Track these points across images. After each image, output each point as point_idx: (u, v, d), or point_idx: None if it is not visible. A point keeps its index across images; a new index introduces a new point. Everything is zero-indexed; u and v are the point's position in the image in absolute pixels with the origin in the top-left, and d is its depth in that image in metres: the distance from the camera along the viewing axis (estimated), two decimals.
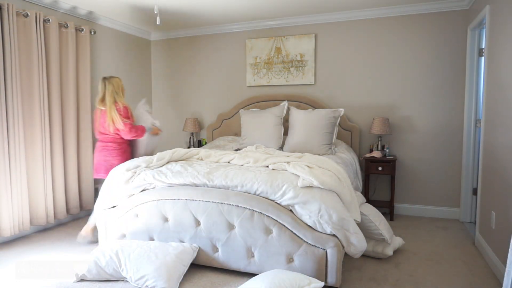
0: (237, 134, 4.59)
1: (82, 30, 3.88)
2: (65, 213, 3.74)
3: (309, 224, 2.36)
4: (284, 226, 2.37)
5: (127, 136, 3.23)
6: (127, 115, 3.21)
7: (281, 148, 3.89)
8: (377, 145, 4.03)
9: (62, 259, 2.90)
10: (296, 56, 4.44)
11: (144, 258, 2.42)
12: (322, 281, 2.29)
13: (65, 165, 3.80)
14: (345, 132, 4.21)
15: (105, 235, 2.95)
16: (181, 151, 3.07)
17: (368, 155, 3.94)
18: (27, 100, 3.37)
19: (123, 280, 2.48)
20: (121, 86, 3.30)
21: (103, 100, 3.23)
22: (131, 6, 3.90)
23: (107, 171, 3.20)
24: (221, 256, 2.55)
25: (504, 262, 2.38)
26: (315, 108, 4.20)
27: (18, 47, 3.24)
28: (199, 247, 2.60)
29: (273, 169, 2.67)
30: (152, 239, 2.76)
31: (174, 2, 3.80)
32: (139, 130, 3.27)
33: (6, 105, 3.17)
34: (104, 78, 3.25)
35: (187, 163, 2.90)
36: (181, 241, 2.67)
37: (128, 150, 3.39)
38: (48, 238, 3.41)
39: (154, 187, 2.78)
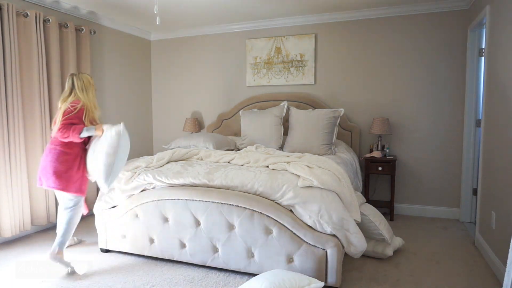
0: (237, 134, 4.59)
1: (82, 30, 3.87)
2: None
3: (309, 224, 2.36)
4: (284, 226, 2.37)
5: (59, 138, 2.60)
6: (77, 115, 2.63)
7: (281, 148, 3.89)
8: (377, 145, 4.03)
9: None
10: (296, 56, 4.44)
11: None
12: (322, 281, 2.29)
13: None
14: (345, 132, 4.21)
15: (105, 235, 2.95)
16: (181, 151, 3.07)
17: (368, 155, 3.94)
18: (27, 100, 3.36)
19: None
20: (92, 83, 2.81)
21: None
22: (131, 6, 3.90)
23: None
24: (221, 256, 2.55)
25: (504, 262, 2.38)
26: (315, 108, 4.20)
27: (18, 47, 3.24)
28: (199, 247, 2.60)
29: (273, 169, 2.67)
30: (152, 239, 2.76)
31: (174, 2, 3.80)
32: (72, 130, 2.55)
33: (6, 105, 3.16)
34: (72, 74, 2.78)
35: (187, 163, 2.90)
36: (181, 241, 2.67)
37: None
38: (49, 238, 3.40)
39: (154, 187, 2.78)
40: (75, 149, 2.67)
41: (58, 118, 2.61)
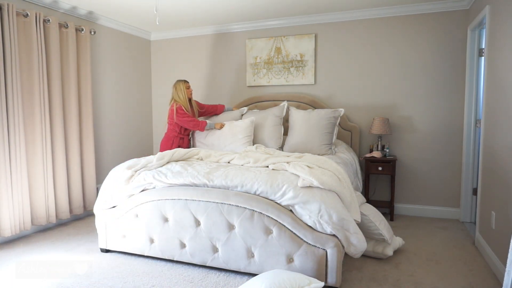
0: None
1: (82, 30, 3.87)
2: (67, 213, 3.74)
3: (309, 224, 2.36)
4: (284, 226, 2.37)
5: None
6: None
7: (281, 148, 3.89)
8: (377, 145, 4.03)
9: (62, 259, 2.90)
10: (296, 56, 4.44)
11: None
12: (322, 281, 2.29)
13: (67, 165, 3.80)
14: (345, 132, 4.21)
15: (105, 235, 2.95)
16: (181, 151, 3.07)
17: (368, 155, 3.94)
18: (27, 100, 3.36)
19: None
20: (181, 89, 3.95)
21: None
22: (131, 6, 3.90)
23: None
24: (221, 256, 2.55)
25: (504, 262, 2.38)
26: (315, 108, 4.20)
27: (18, 47, 3.24)
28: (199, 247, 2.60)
29: (273, 169, 2.67)
30: (152, 239, 2.76)
31: (174, 2, 3.79)
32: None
33: (6, 105, 3.17)
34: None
35: (187, 163, 2.90)
36: (181, 241, 2.67)
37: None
38: (49, 238, 3.40)
39: (154, 187, 2.78)
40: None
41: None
